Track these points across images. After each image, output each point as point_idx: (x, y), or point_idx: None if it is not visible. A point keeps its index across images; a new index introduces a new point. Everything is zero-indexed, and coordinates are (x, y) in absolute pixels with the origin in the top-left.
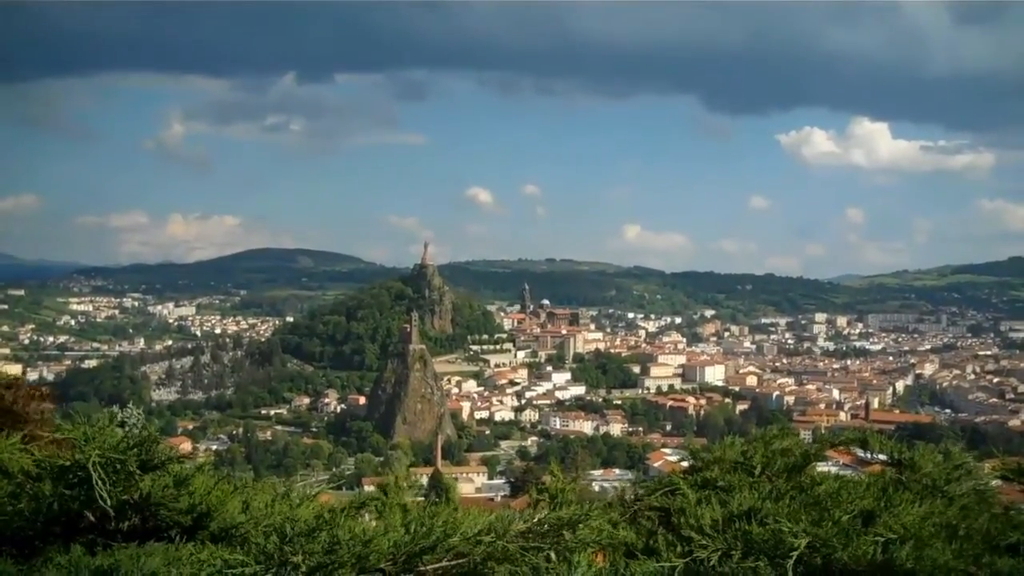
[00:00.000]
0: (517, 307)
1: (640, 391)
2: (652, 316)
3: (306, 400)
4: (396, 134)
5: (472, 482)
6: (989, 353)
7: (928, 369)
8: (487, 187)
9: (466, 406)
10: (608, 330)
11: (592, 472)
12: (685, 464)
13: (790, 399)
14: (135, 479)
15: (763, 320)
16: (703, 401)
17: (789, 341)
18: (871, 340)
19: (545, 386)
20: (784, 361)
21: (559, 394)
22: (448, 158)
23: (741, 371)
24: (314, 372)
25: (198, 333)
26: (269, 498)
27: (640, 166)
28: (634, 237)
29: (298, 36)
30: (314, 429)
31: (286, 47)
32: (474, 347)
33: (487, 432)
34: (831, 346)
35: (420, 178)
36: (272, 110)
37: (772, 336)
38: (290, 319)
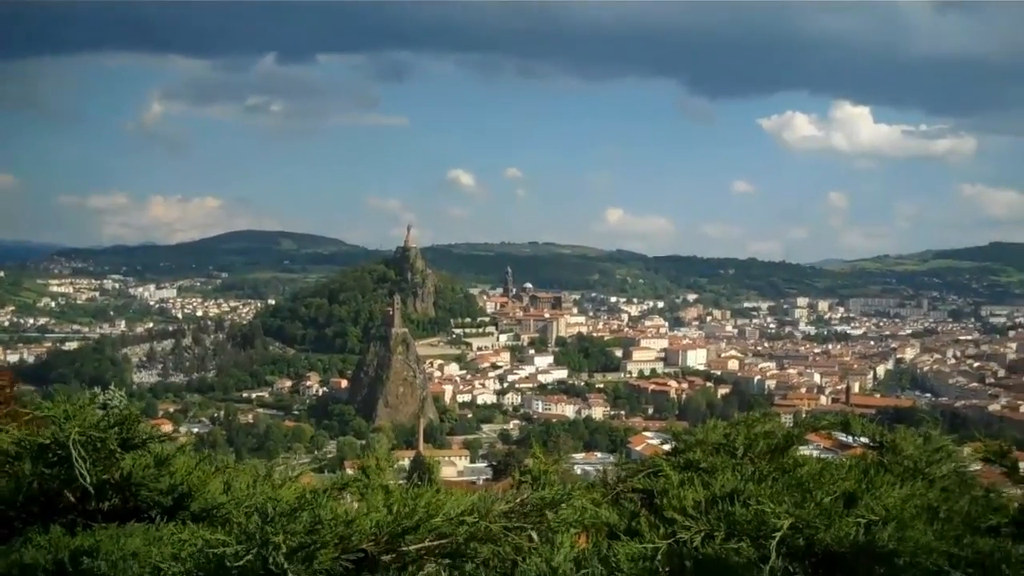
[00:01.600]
0: (500, 290)
1: (622, 375)
2: (634, 300)
3: (288, 383)
4: (378, 116)
5: (454, 465)
6: (970, 338)
7: (909, 354)
8: (469, 169)
9: (448, 389)
10: (591, 314)
11: (574, 455)
12: (667, 447)
13: (772, 383)
14: (116, 458)
15: (745, 304)
16: (685, 385)
17: (771, 325)
18: (852, 324)
19: (527, 370)
20: (766, 345)
21: (541, 378)
22: (430, 140)
23: (723, 355)
24: (296, 355)
25: (179, 316)
26: (250, 479)
27: (622, 150)
28: (616, 221)
29: (279, 16)
30: (296, 412)
31: (267, 27)
32: (456, 330)
33: (469, 415)
34: (812, 330)
35: (402, 160)
36: (253, 91)
37: (754, 320)
38: (272, 302)
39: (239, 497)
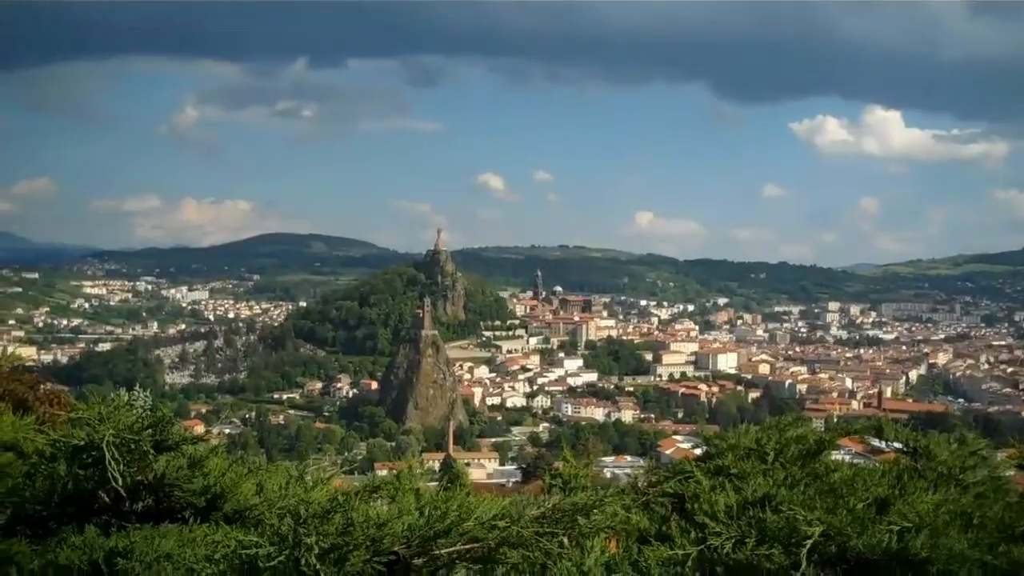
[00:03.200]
0: (529, 293)
1: (652, 378)
2: (665, 303)
3: (318, 385)
4: (408, 120)
5: (484, 468)
6: (1003, 343)
7: (941, 359)
8: (499, 173)
9: (478, 392)
10: (620, 317)
11: (603, 459)
12: (698, 451)
13: (803, 387)
14: (149, 459)
15: (776, 308)
16: (715, 389)
17: (802, 330)
18: (884, 329)
19: (557, 372)
20: (797, 349)
21: (571, 380)
22: (460, 144)
23: (754, 359)
24: (326, 357)
25: (211, 317)
26: (283, 481)
27: (652, 153)
28: (647, 224)
29: (310, 21)
30: (326, 414)
31: (298, 32)
32: (486, 333)
33: (499, 418)
34: (844, 335)
35: (432, 164)
36: (284, 95)
37: (785, 324)
38: (303, 304)
39: (271, 499)
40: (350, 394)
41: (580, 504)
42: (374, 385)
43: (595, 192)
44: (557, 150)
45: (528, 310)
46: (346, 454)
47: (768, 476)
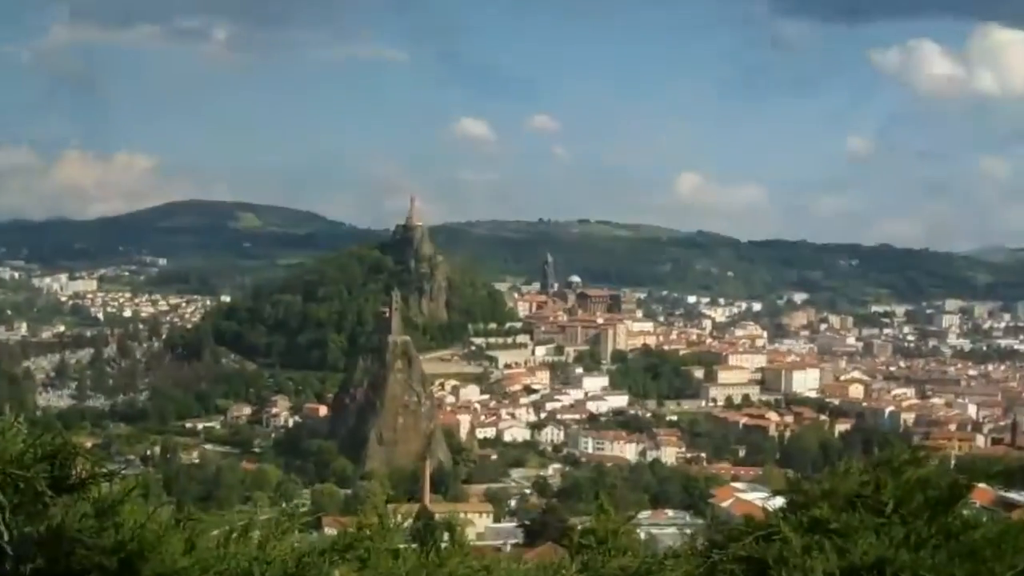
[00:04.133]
0: (536, 286)
1: (703, 403)
2: (721, 300)
3: (246, 410)
4: (365, 46)
5: (473, 525)
6: None
7: None
8: (484, 117)
9: (465, 420)
10: (661, 319)
11: (637, 514)
12: (779, 500)
13: (909, 417)
14: (45, 504)
15: (873, 308)
16: (789, 418)
17: (909, 337)
18: (1021, 337)
19: (573, 395)
20: (901, 365)
21: (592, 406)
22: (432, 80)
23: (842, 378)
24: (257, 372)
25: (100, 316)
26: (221, 535)
27: (697, 93)
28: (694, 191)
29: None
30: (257, 450)
31: None
32: (476, 340)
33: (493, 457)
34: (967, 345)
35: (398, 107)
36: (186, 9)
37: (886, 331)
38: (226, 299)
39: (207, 559)
40: (290, 423)
41: (631, 571)
42: (323, 411)
43: (621, 145)
44: (563, 86)
45: (534, 309)
46: (284, 504)
47: (883, 534)
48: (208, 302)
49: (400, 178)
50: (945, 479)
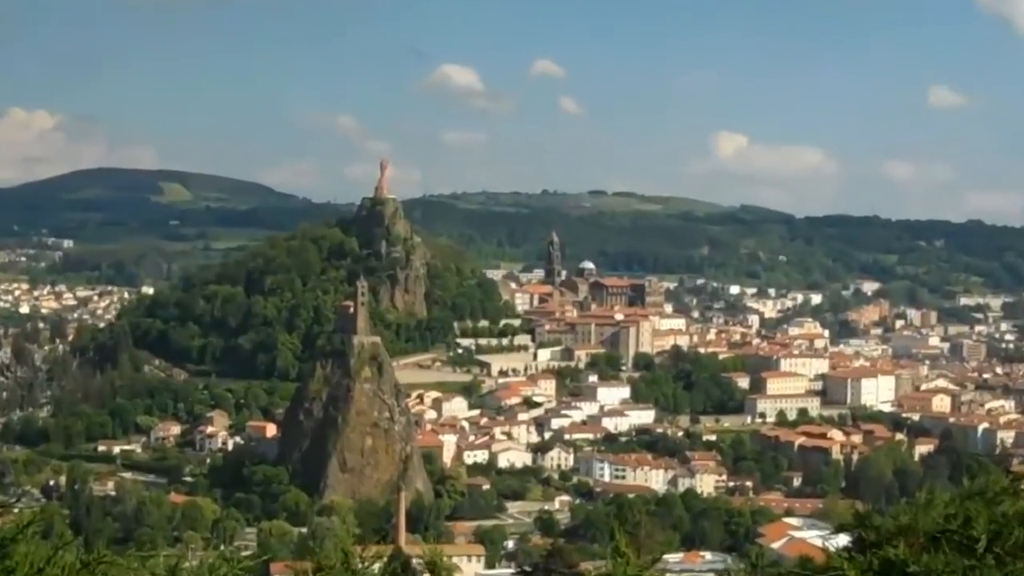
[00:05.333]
0: (539, 273)
1: (749, 419)
2: (771, 291)
3: (175, 429)
4: None
5: (460, 571)
6: None
7: None
8: (472, 64)
9: (450, 442)
10: (695, 314)
11: (665, 556)
12: (836, 539)
13: (1007, 435)
14: None
15: (963, 301)
16: (857, 438)
17: (1007, 336)
18: None
19: (586, 409)
20: (998, 371)
21: (610, 423)
22: (406, 16)
23: (924, 387)
24: (189, 382)
25: None
26: None
27: (742, 31)
28: (737, 155)
29: None
30: (188, 478)
31: None
32: (464, 342)
33: (485, 487)
34: None
35: (363, 50)
36: None
37: (979, 328)
38: (148, 291)
39: None
40: (229, 445)
41: None
42: (270, 430)
43: (643, 99)
44: (570, 24)
45: (536, 302)
46: (223, 547)
47: None
48: (126, 295)
49: (366, 139)
50: None
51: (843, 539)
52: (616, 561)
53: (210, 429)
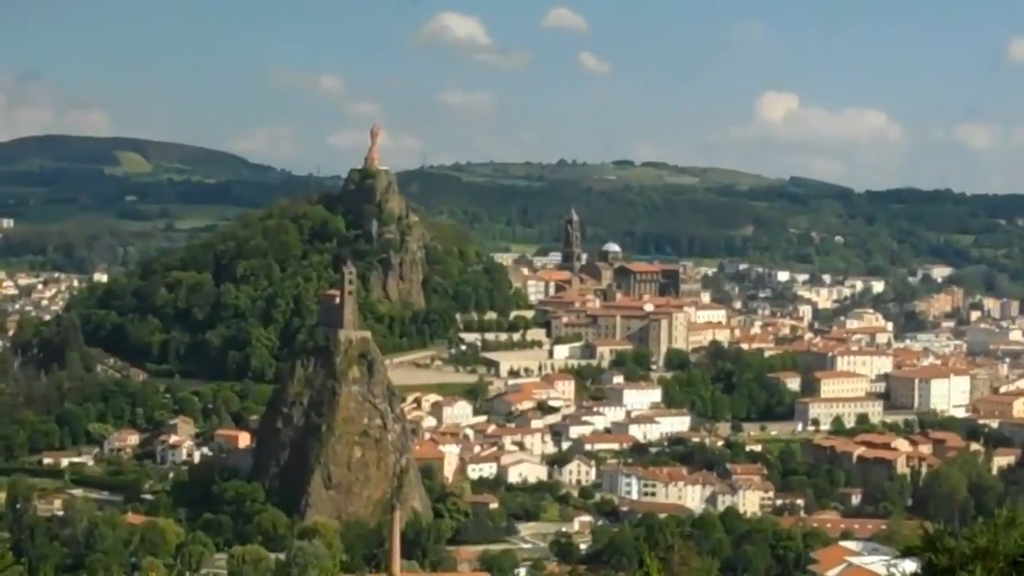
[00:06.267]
0: (555, 257)
1: (800, 427)
2: (826, 278)
3: (133, 438)
4: None
5: None
6: None
7: None
8: (475, 12)
9: (451, 453)
10: (738, 304)
11: None
12: (902, 564)
13: None
14: None
15: None
16: (926, 448)
17: None
18: None
19: (610, 414)
20: None
21: (638, 431)
22: None
23: (1004, 389)
24: (149, 384)
25: None
26: None
27: None
28: (786, 119)
29: None
30: (149, 496)
31: None
32: (469, 336)
33: (493, 506)
34: None
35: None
36: None
37: None
38: (102, 278)
39: None
40: (196, 457)
41: None
42: (243, 440)
43: (678, 54)
44: None
45: (553, 291)
46: (188, 574)
47: None
48: (76, 282)
49: (354, 102)
50: None
51: (910, 565)
52: None
53: (173, 439)
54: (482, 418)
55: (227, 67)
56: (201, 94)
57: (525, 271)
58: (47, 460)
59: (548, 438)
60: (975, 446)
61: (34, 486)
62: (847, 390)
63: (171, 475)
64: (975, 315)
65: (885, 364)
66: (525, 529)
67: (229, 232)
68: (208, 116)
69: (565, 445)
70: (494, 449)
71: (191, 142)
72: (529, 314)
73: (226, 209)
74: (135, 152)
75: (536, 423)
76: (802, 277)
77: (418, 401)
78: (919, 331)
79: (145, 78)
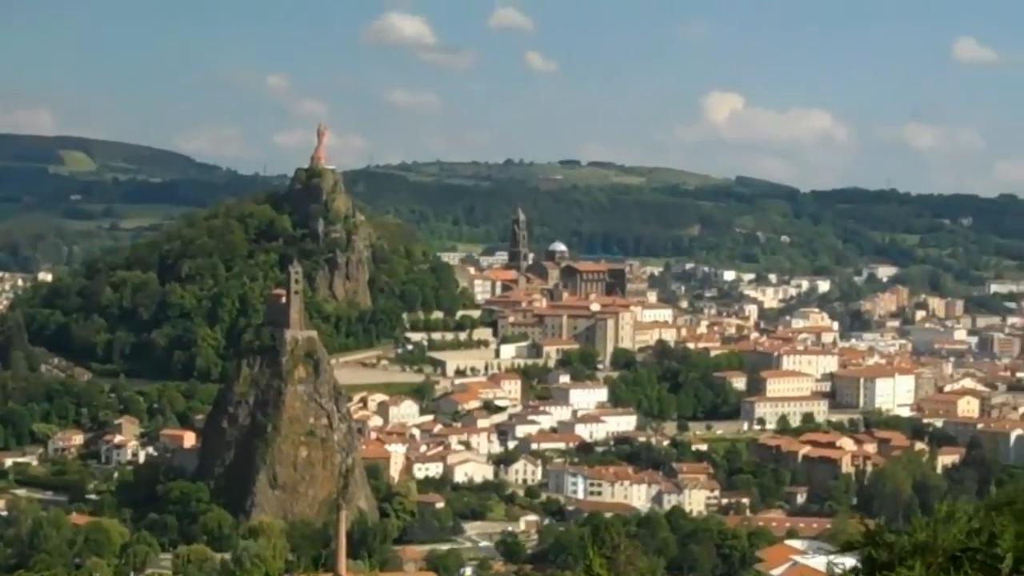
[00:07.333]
0: (502, 256)
1: (746, 426)
2: (772, 277)
3: (77, 438)
4: None
5: None
6: None
7: None
8: (421, 12)
9: (398, 453)
10: (684, 304)
11: None
12: (842, 559)
13: None
14: None
15: (993, 288)
16: (871, 447)
17: None
18: None
19: (556, 414)
20: None
21: (584, 430)
22: None
23: (948, 388)
24: (93, 383)
25: None
26: None
27: None
28: (732, 120)
29: None
30: (93, 496)
31: None
32: (415, 335)
33: (439, 505)
34: None
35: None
36: None
37: (1011, 319)
38: (45, 277)
39: None
40: (141, 457)
41: None
42: (188, 439)
43: (626, 54)
44: None
45: (499, 290)
46: (133, 575)
47: None
48: (20, 282)
49: (300, 101)
50: None
51: (850, 560)
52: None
53: (118, 438)
54: (428, 417)
55: (173, 66)
56: (147, 93)
57: (472, 270)
58: None
59: (494, 437)
60: (920, 445)
61: None
62: (793, 389)
63: (116, 475)
64: (920, 314)
65: (830, 363)
66: (471, 528)
67: (175, 231)
68: (154, 115)
69: (511, 444)
70: (440, 448)
71: (136, 141)
72: (476, 314)
73: (172, 208)
74: (80, 151)
75: (482, 422)
76: (748, 276)
77: (364, 401)
78: (864, 330)
79: (90, 77)
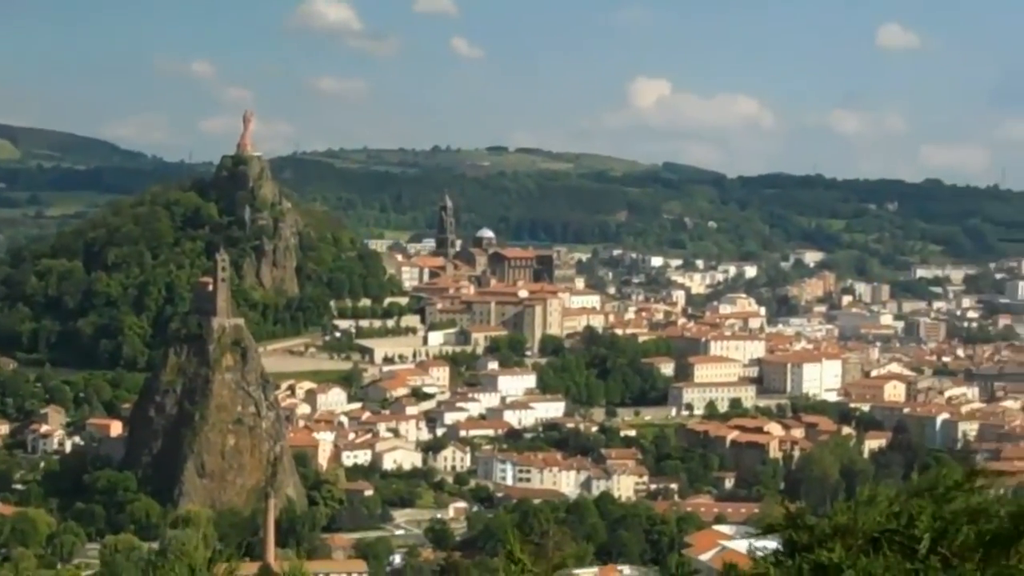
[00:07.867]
0: (429, 243)
1: (674, 412)
2: (699, 263)
3: (3, 428)
4: None
5: None
6: None
7: None
8: None
9: (326, 441)
10: (612, 290)
11: (576, 571)
12: (764, 542)
13: (970, 427)
14: None
15: (920, 272)
16: (798, 432)
17: (970, 314)
18: None
19: (485, 401)
20: (960, 354)
21: (513, 417)
22: None
23: (875, 373)
24: (19, 373)
25: None
26: None
27: None
28: (660, 105)
29: None
30: (19, 486)
31: None
32: (343, 323)
33: (368, 493)
34: None
35: None
36: None
37: (938, 304)
38: None
39: None
40: (67, 446)
41: None
42: (115, 428)
43: (551, 40)
44: None
45: (427, 277)
46: (60, 566)
47: None
48: None
49: (226, 87)
50: (1006, 508)
51: (772, 543)
52: (511, 569)
53: (44, 428)
54: (356, 405)
55: (98, 52)
56: (71, 80)
57: (399, 257)
58: None
59: (423, 424)
60: (847, 429)
61: None
62: (720, 375)
63: (42, 465)
64: (846, 299)
65: (758, 349)
66: (400, 516)
67: (100, 219)
68: (79, 102)
69: (440, 431)
70: (368, 436)
71: (61, 128)
72: (403, 301)
73: (97, 196)
74: (3, 138)
75: (411, 410)
76: (675, 262)
77: (292, 388)
78: (791, 315)
79: (13, 64)
